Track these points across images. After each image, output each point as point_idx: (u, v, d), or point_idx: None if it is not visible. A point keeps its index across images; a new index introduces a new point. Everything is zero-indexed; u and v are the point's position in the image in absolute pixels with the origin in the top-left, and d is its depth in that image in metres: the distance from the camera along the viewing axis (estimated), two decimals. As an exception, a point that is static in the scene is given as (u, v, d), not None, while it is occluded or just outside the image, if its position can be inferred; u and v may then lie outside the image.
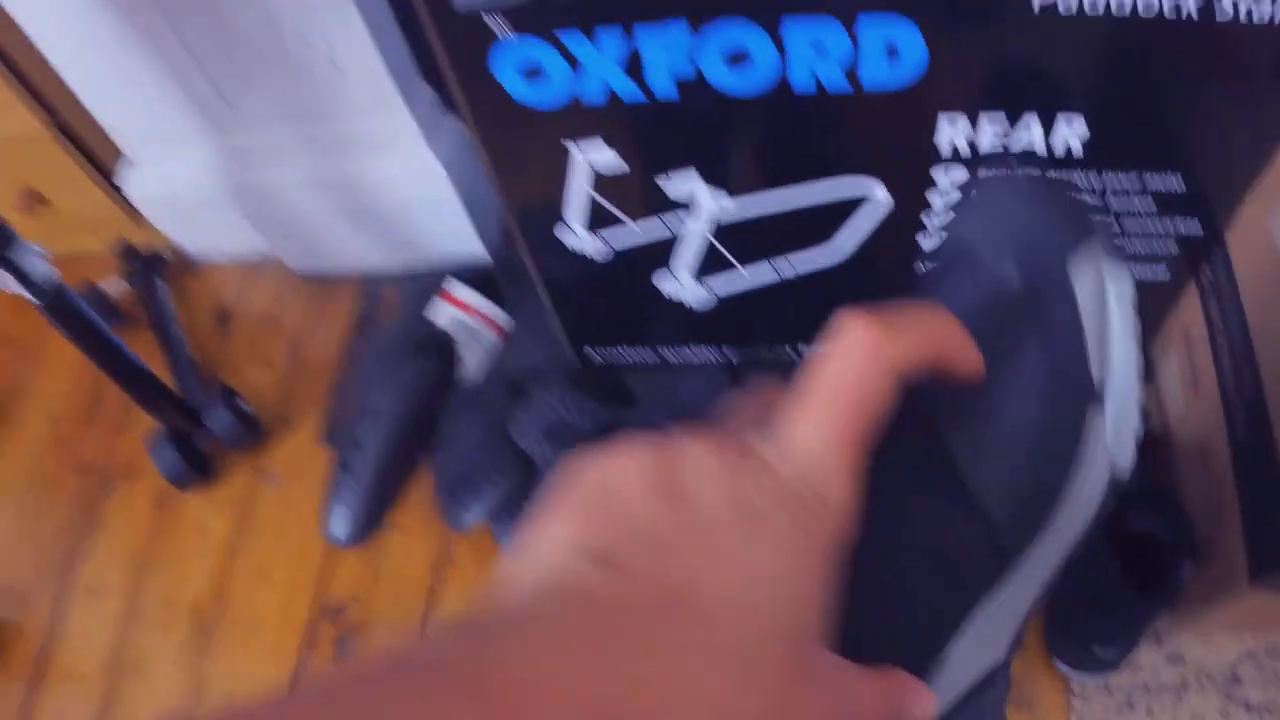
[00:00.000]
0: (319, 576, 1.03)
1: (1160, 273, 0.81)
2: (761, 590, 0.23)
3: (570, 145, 0.73)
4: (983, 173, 0.73)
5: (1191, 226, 0.76)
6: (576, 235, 0.83)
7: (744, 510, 0.24)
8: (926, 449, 0.28)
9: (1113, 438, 0.28)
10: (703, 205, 0.78)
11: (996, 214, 0.30)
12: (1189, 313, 0.83)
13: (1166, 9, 0.58)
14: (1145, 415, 0.29)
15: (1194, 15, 0.58)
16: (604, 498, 0.25)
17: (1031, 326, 0.28)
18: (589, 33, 0.63)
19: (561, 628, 0.22)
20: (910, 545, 0.27)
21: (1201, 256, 0.79)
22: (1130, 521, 0.75)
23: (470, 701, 0.20)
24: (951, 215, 0.32)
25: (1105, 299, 0.28)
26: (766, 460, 0.25)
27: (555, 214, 0.81)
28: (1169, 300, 0.85)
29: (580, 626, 0.22)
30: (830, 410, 0.25)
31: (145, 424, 1.14)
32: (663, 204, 0.79)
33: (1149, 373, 0.92)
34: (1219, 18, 0.58)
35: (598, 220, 0.81)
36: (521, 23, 0.63)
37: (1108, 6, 0.59)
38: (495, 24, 0.64)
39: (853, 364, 0.25)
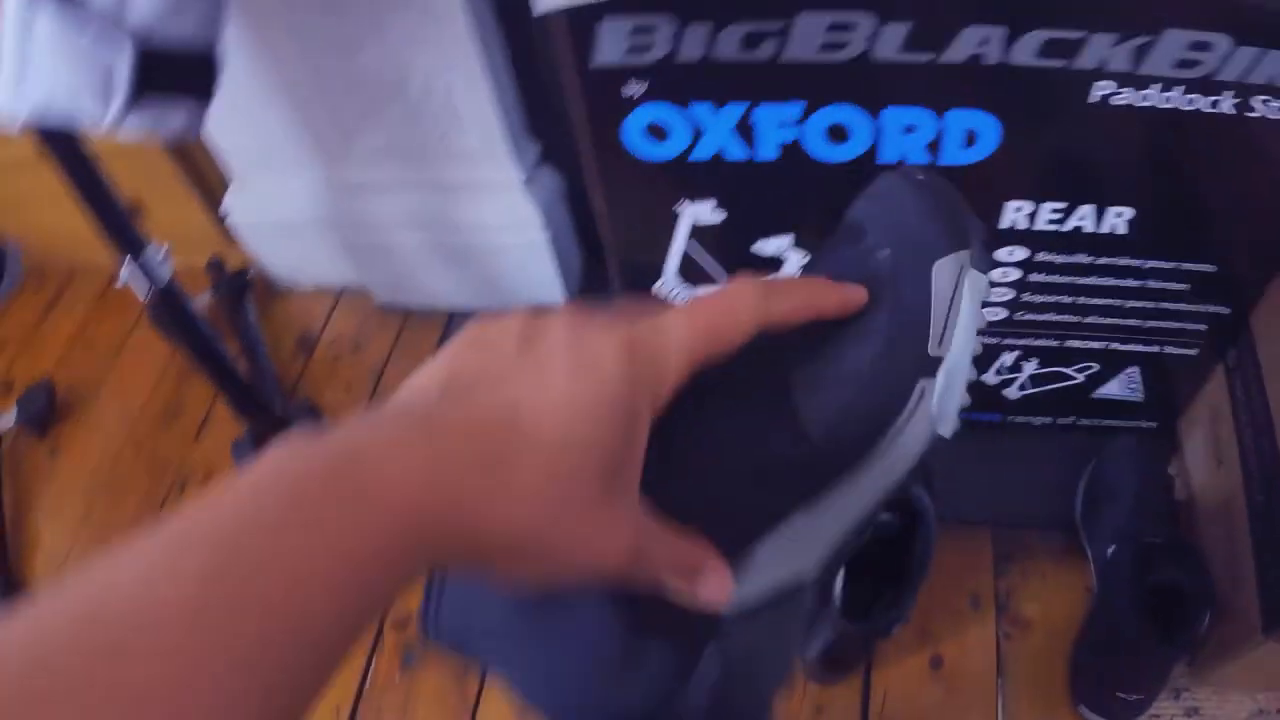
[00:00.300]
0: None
1: (1191, 350, 0.90)
2: (580, 424, 0.28)
3: (679, 202, 0.83)
4: (1035, 251, 0.82)
5: (1221, 308, 0.85)
6: (672, 287, 0.92)
7: (578, 357, 0.29)
8: (771, 377, 0.33)
9: (938, 406, 0.34)
10: (789, 262, 0.87)
11: (889, 206, 0.36)
12: (1215, 392, 0.91)
13: (1205, 105, 0.68)
14: (969, 395, 0.35)
15: (1230, 111, 0.68)
16: (473, 346, 0.30)
17: (887, 302, 0.33)
18: (718, 106, 0.73)
19: (396, 435, 0.26)
20: (736, 449, 0.32)
21: (1229, 337, 0.87)
22: (1156, 575, 0.82)
23: (323, 483, 0.24)
24: (856, 200, 0.39)
25: (960, 295, 0.34)
26: (613, 324, 0.30)
27: (656, 269, 0.90)
28: (1198, 377, 0.93)
29: (412, 435, 0.26)
30: (692, 317, 0.31)
31: (222, 433, 1.21)
32: (754, 263, 0.88)
33: (1175, 444, 1.00)
34: (1250, 114, 0.67)
35: (691, 276, 0.90)
36: (659, 93, 0.73)
37: (1155, 101, 0.68)
38: (632, 93, 0.73)
39: (726, 302, 0.31)
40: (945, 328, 0.34)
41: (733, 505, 0.32)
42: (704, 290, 0.32)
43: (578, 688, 0.33)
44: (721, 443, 0.31)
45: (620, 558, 0.29)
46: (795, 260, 0.87)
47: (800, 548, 0.33)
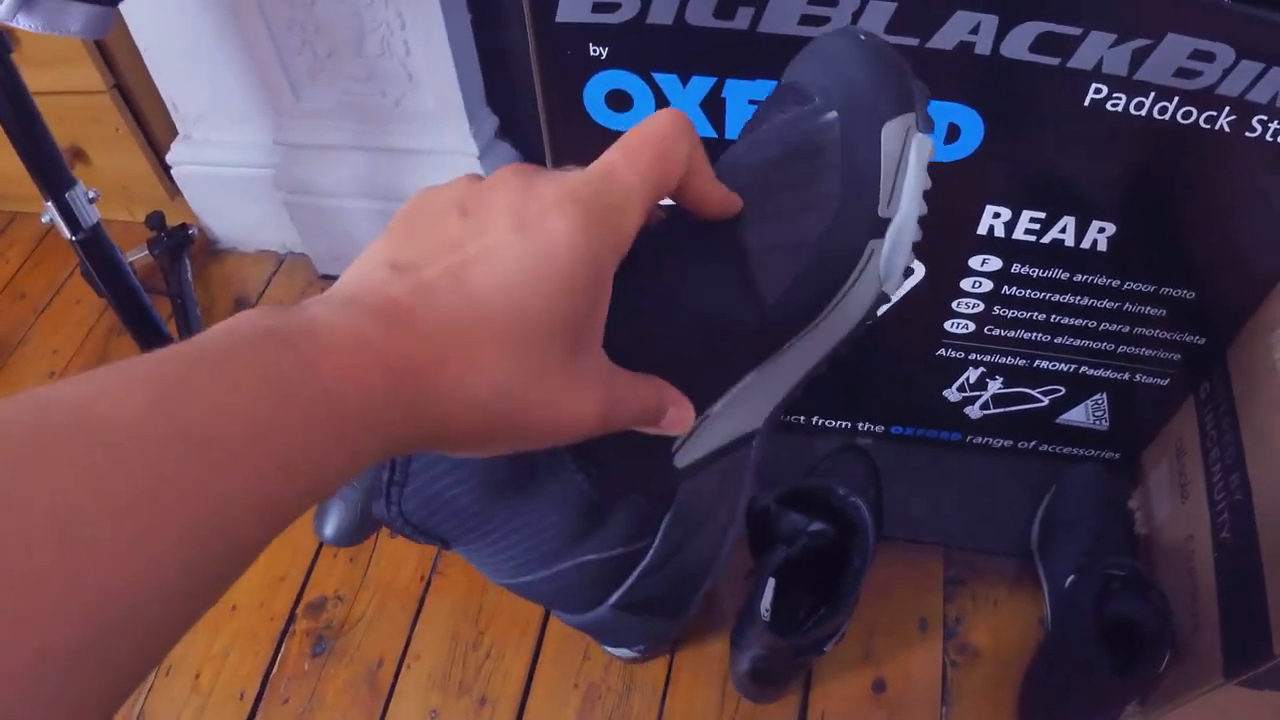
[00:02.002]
0: (306, 571, 1.03)
1: (1161, 380, 0.87)
2: (536, 289, 0.27)
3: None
4: (1013, 264, 0.78)
5: (1196, 338, 0.82)
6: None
7: (526, 217, 0.27)
8: (726, 237, 0.33)
9: (885, 265, 0.34)
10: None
11: (834, 67, 0.35)
12: (1184, 425, 0.88)
13: (1202, 121, 0.64)
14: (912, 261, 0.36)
15: (1226, 129, 0.64)
16: (416, 218, 0.29)
17: (838, 167, 0.33)
18: (684, 78, 0.68)
19: (347, 319, 0.25)
20: (693, 312, 0.32)
21: (1202, 368, 0.84)
22: (1114, 609, 0.79)
23: (292, 349, 0.24)
24: (800, 53, 0.38)
25: (906, 158, 0.34)
26: (558, 175, 0.29)
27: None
28: (1166, 408, 0.90)
29: (361, 317, 0.25)
30: (634, 159, 0.29)
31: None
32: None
33: (1137, 476, 0.96)
34: (1248, 134, 0.64)
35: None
36: (623, 59, 0.68)
37: (1149, 110, 0.64)
38: (597, 54, 0.68)
39: (662, 126, 0.30)
40: (894, 189, 0.34)
41: (689, 366, 0.32)
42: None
43: (553, 550, 0.34)
44: (680, 304, 0.31)
45: (592, 414, 0.29)
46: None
47: (751, 406, 0.35)
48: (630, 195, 0.29)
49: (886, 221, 0.34)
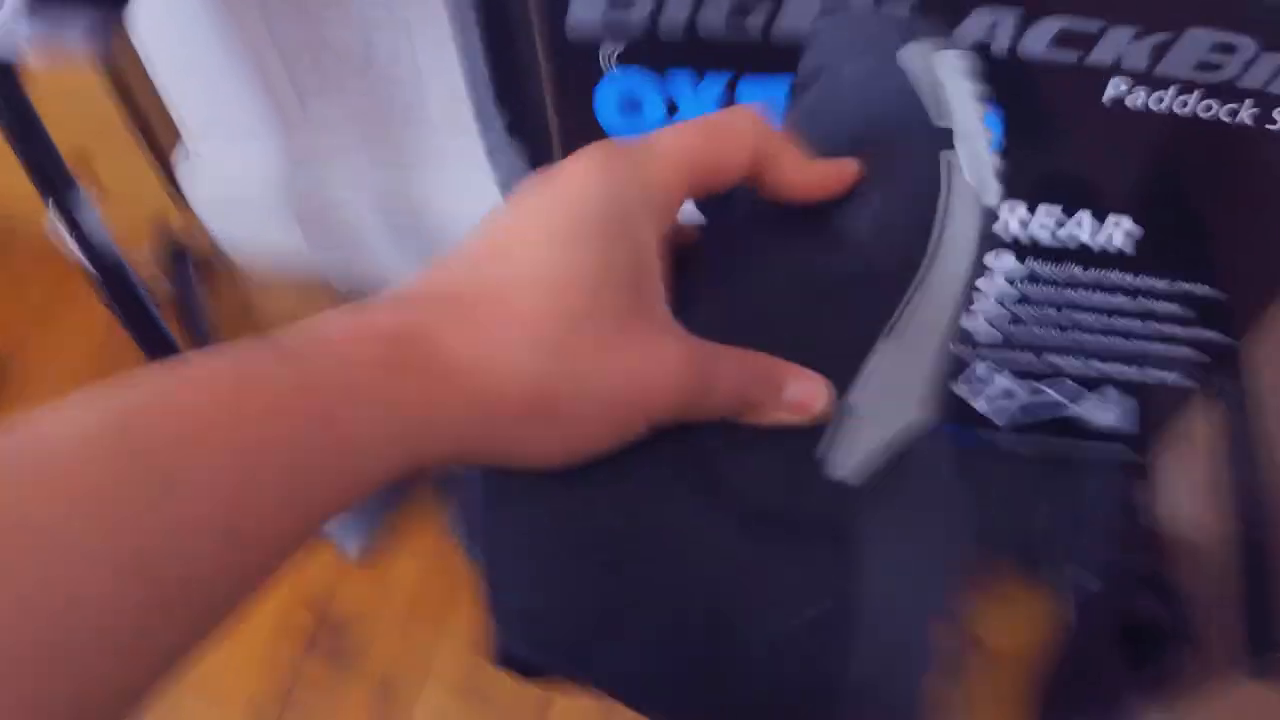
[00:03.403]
0: (323, 581, 1.02)
1: (1179, 377, 0.86)
2: (561, 251, 0.25)
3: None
4: (1031, 262, 0.77)
5: (1215, 335, 0.81)
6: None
7: (548, 183, 0.26)
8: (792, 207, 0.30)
9: (971, 174, 0.31)
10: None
11: (835, 40, 0.35)
12: (1200, 422, 0.87)
13: (1223, 114, 0.63)
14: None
15: (1248, 122, 0.63)
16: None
17: (869, 102, 0.32)
18: (699, 76, 0.68)
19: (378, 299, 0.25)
20: (790, 275, 0.29)
21: (1220, 365, 0.83)
22: (1132, 608, 0.78)
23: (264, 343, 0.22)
24: (802, 62, 0.36)
25: (935, 71, 0.32)
26: (604, 157, 0.27)
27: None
28: (1183, 405, 0.89)
29: (370, 300, 0.25)
30: (681, 129, 0.28)
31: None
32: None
33: (1154, 474, 0.96)
34: (1270, 126, 0.63)
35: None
36: (636, 58, 0.67)
37: (1170, 105, 0.64)
38: (606, 59, 0.68)
39: (721, 112, 0.29)
40: (939, 101, 0.31)
41: (803, 342, 0.27)
42: None
43: (728, 625, 0.26)
44: (771, 271, 0.28)
45: (670, 384, 0.25)
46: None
47: (899, 386, 0.28)
48: (665, 154, 0.27)
49: (948, 132, 0.31)
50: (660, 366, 0.25)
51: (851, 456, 0.27)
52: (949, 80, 0.32)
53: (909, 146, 0.31)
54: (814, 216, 0.30)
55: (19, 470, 0.17)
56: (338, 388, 0.22)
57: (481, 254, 0.26)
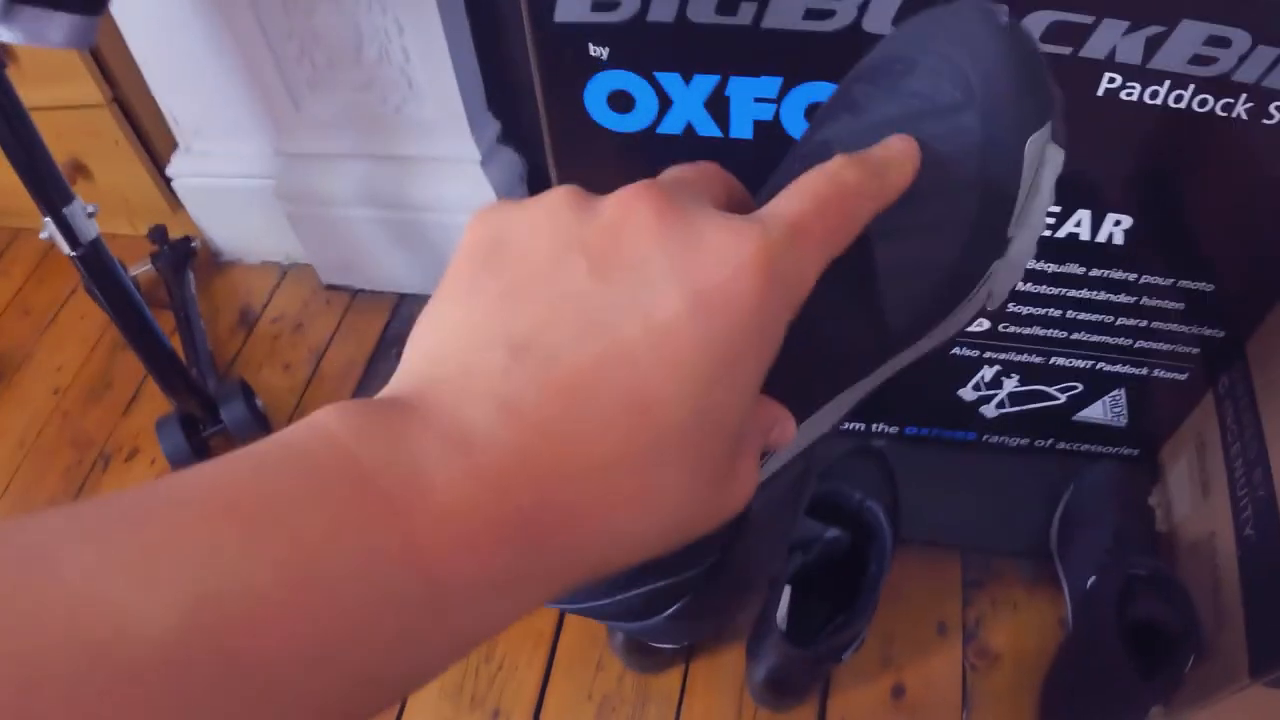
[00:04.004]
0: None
1: (1180, 374, 0.85)
2: (718, 382, 0.21)
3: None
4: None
5: (1215, 332, 0.80)
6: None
7: (693, 278, 0.21)
8: (859, 258, 0.28)
9: (998, 283, 0.31)
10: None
11: (970, 51, 0.30)
12: (1203, 419, 0.86)
13: (1218, 109, 0.62)
14: None
15: (1243, 116, 0.62)
16: (512, 262, 0.22)
17: (978, 183, 0.30)
18: (687, 77, 0.67)
19: (471, 448, 0.19)
20: (815, 335, 0.28)
21: (1221, 362, 0.82)
22: (1137, 609, 0.77)
23: (388, 513, 0.18)
24: (908, 20, 0.33)
25: (1041, 174, 0.30)
26: (718, 215, 0.22)
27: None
28: (1186, 402, 0.88)
29: (495, 450, 0.19)
30: (815, 224, 0.23)
31: (151, 411, 1.14)
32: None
33: (1157, 472, 0.95)
34: (1266, 120, 0.62)
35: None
36: (623, 59, 0.66)
37: (1164, 99, 0.62)
38: (597, 55, 0.67)
39: (845, 204, 0.25)
40: (1022, 209, 0.30)
41: (796, 386, 0.28)
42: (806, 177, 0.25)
43: (620, 581, 0.30)
44: (803, 329, 0.26)
45: (745, 501, 0.24)
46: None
47: (831, 415, 0.31)
48: (811, 272, 0.23)
49: (1010, 241, 0.31)
50: (739, 501, 0.24)
51: (771, 467, 0.30)
52: (1046, 187, 0.31)
53: (977, 247, 0.30)
54: (869, 277, 0.29)
55: (92, 681, 0.14)
56: (454, 603, 0.18)
57: (635, 388, 0.20)
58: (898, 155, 0.28)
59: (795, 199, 0.24)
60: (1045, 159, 0.30)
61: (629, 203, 0.22)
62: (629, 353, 0.20)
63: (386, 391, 0.21)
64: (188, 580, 0.16)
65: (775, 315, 0.22)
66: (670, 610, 0.32)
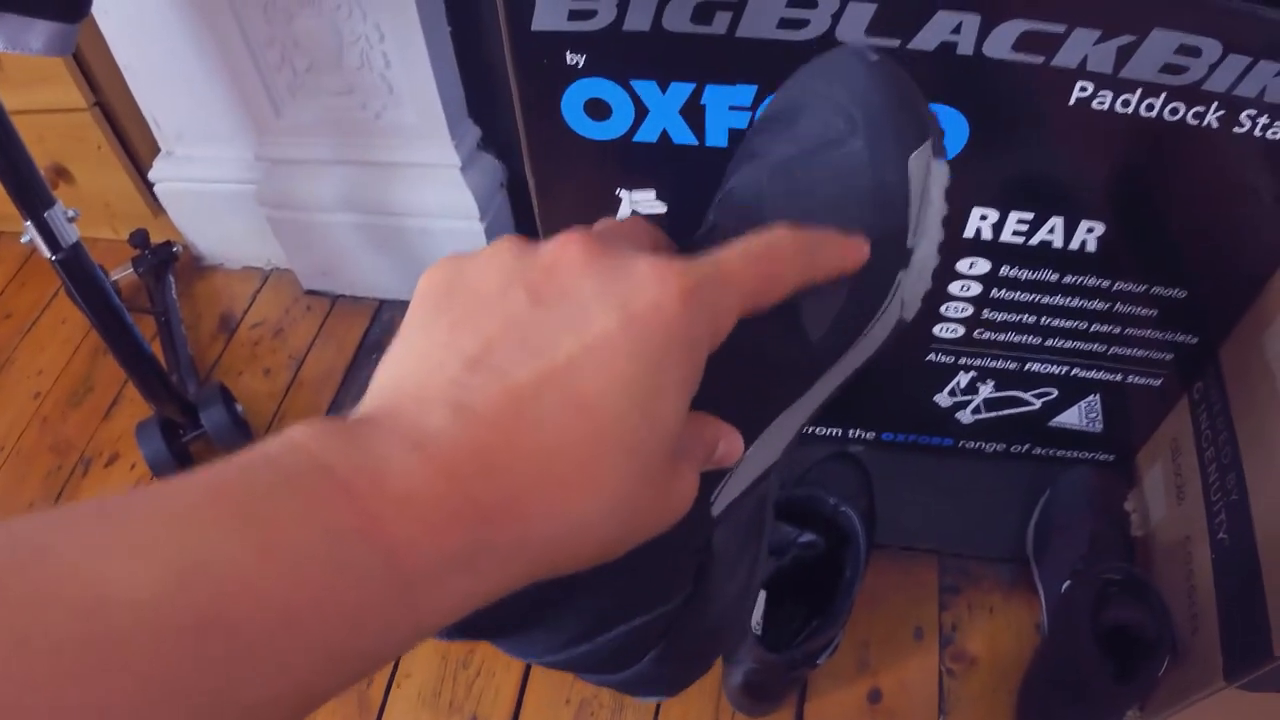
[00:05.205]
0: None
1: (1154, 381, 0.86)
2: (653, 390, 0.24)
3: (619, 189, 0.76)
4: (1001, 266, 0.77)
5: (1189, 338, 0.81)
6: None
7: (629, 306, 0.24)
8: None
9: (909, 294, 0.34)
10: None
11: (850, 89, 0.34)
12: (1178, 425, 0.87)
13: (1189, 117, 0.63)
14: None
15: (1214, 124, 0.63)
16: (463, 297, 0.25)
17: (870, 200, 0.33)
18: (663, 85, 0.67)
19: (428, 443, 0.21)
20: (745, 352, 0.30)
21: (1195, 368, 0.83)
22: (1112, 613, 0.77)
23: (349, 499, 0.20)
24: (791, 76, 0.37)
25: (929, 187, 0.34)
26: (649, 255, 0.25)
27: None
28: (1160, 408, 0.89)
29: (451, 444, 0.22)
30: (742, 275, 0.27)
31: (132, 416, 1.14)
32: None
33: (1132, 478, 0.95)
34: (1236, 129, 0.63)
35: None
36: (600, 67, 0.67)
37: (1136, 107, 0.63)
38: (574, 62, 0.67)
39: (773, 265, 0.28)
40: (918, 220, 0.34)
41: (737, 408, 0.30)
42: (749, 237, 0.29)
43: (599, 623, 0.31)
44: (733, 347, 0.29)
45: (689, 504, 0.27)
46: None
47: (776, 440, 0.33)
48: (731, 310, 0.26)
49: (911, 251, 0.34)
50: (683, 502, 0.27)
51: (727, 496, 0.32)
52: (935, 197, 0.34)
53: (879, 259, 0.32)
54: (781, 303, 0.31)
55: (86, 639, 0.16)
56: (415, 581, 0.20)
57: (578, 394, 0.23)
58: (836, 241, 0.31)
59: (733, 250, 0.27)
60: (930, 172, 0.34)
61: (563, 245, 0.25)
62: (569, 363, 0.23)
63: (354, 413, 0.23)
64: (170, 555, 0.18)
65: (697, 335, 0.25)
66: (651, 654, 0.34)
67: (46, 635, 0.16)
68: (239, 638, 0.18)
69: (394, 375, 0.24)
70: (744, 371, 0.30)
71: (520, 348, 0.23)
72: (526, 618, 0.31)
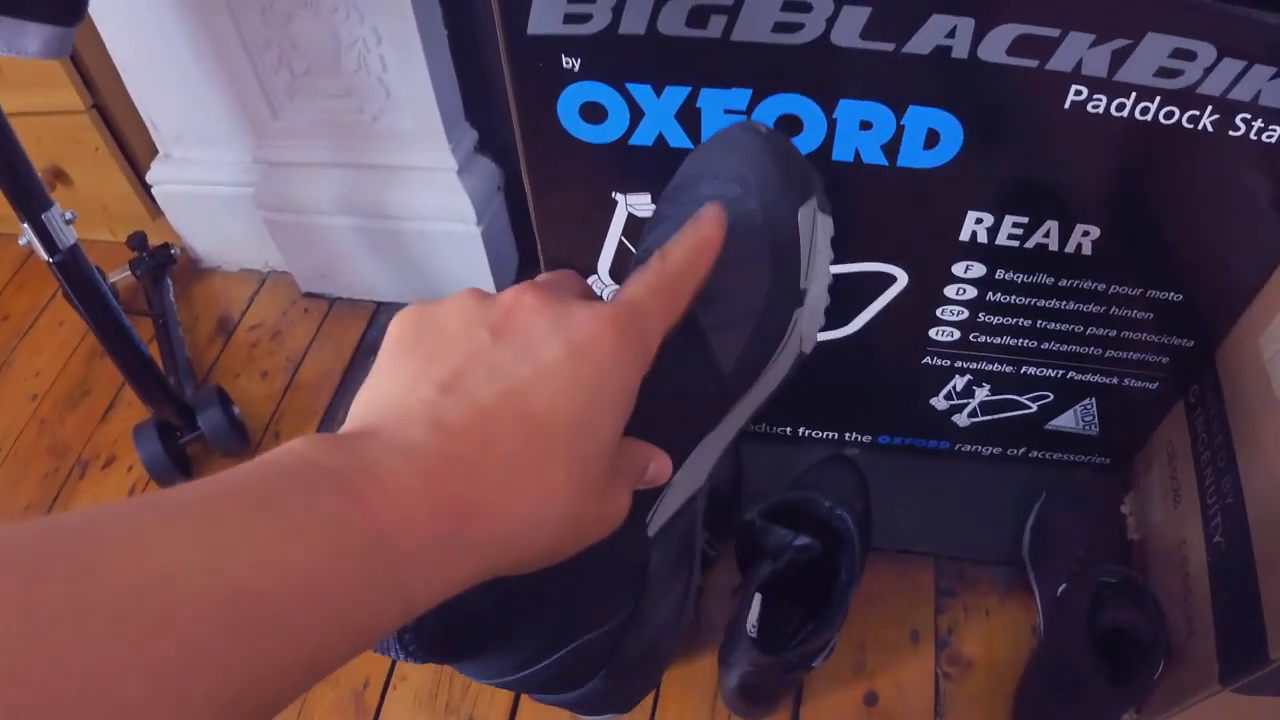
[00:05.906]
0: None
1: (1150, 384, 0.86)
2: (592, 406, 0.28)
3: (614, 193, 0.76)
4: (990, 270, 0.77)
5: (1185, 341, 0.81)
6: (603, 284, 0.86)
7: (571, 339, 0.29)
8: (688, 320, 0.36)
9: (806, 329, 0.40)
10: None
11: (745, 159, 0.40)
12: (1174, 428, 0.87)
13: (1184, 121, 0.63)
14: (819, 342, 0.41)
15: (1209, 128, 0.63)
16: (432, 335, 0.30)
17: (767, 249, 0.38)
18: (658, 88, 0.67)
19: (413, 449, 0.26)
20: (665, 385, 0.34)
21: (1191, 372, 0.83)
22: (1108, 616, 0.77)
23: (348, 494, 0.24)
24: (693, 151, 0.43)
25: (816, 235, 0.40)
26: (586, 303, 0.30)
27: (589, 259, 0.84)
28: (1156, 412, 0.89)
29: (431, 452, 0.26)
30: (657, 297, 0.33)
31: (129, 418, 1.14)
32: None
33: (1128, 481, 0.95)
34: (1231, 133, 0.63)
35: (624, 276, 0.84)
36: (596, 71, 0.67)
37: (1131, 111, 0.63)
38: (569, 66, 0.67)
39: (679, 281, 0.34)
40: (809, 264, 0.39)
41: (662, 435, 0.35)
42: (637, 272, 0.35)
43: (555, 639, 0.36)
44: (655, 379, 0.33)
45: (624, 515, 0.31)
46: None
47: (699, 466, 0.38)
48: (656, 332, 0.32)
49: (805, 292, 0.39)
50: (620, 509, 0.32)
51: (660, 518, 0.37)
52: (821, 243, 0.40)
53: (777, 300, 0.38)
54: (698, 333, 0.37)
55: (133, 608, 0.19)
56: (404, 563, 0.24)
57: (532, 411, 0.27)
58: (695, 236, 0.36)
59: (636, 287, 0.33)
60: (817, 223, 0.40)
61: (517, 293, 0.30)
62: (525, 388, 0.28)
63: (340, 431, 0.27)
64: (204, 539, 0.21)
65: (630, 361, 0.30)
66: (601, 672, 0.38)
67: (107, 605, 0.19)
68: (266, 606, 0.21)
69: (374, 400, 0.29)
70: (669, 404, 0.35)
71: (485, 374, 0.28)
72: (486, 639, 0.34)
